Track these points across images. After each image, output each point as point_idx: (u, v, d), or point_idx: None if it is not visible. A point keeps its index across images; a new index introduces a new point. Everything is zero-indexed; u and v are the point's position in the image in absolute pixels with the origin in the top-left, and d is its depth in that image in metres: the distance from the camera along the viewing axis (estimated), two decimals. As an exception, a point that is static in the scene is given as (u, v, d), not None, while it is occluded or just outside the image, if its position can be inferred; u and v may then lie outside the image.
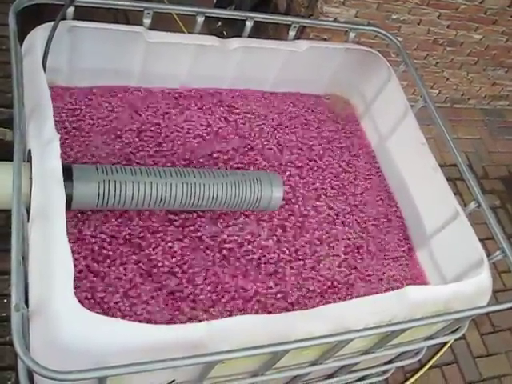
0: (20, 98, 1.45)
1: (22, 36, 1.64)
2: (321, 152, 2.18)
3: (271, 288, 1.77)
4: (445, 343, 2.75)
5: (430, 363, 2.74)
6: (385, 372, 2.15)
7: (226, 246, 1.79)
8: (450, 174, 2.02)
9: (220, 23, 3.38)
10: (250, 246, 1.82)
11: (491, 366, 2.87)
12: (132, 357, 1.17)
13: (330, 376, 1.91)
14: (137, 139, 1.92)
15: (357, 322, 1.45)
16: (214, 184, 1.71)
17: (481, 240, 1.78)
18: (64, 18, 1.72)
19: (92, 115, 1.91)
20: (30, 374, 1.37)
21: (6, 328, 1.99)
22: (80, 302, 1.20)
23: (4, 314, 2.03)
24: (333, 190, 2.10)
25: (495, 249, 1.75)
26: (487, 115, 4.00)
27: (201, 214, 1.83)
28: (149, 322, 1.53)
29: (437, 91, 3.71)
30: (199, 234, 1.79)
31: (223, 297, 1.69)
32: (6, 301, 2.04)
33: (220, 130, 2.07)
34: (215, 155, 1.99)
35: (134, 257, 1.66)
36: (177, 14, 3.06)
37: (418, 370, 2.70)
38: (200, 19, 1.90)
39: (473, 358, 2.86)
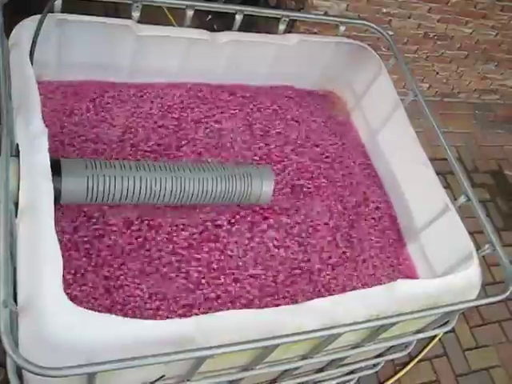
0: (7, 91, 1.43)
1: (8, 29, 1.62)
2: (310, 145, 2.18)
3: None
4: (434, 336, 2.76)
5: (420, 356, 2.76)
6: (375, 365, 2.16)
7: None
8: (440, 168, 2.03)
9: (210, 16, 3.36)
10: None
11: (480, 358, 2.90)
12: (122, 352, 1.17)
13: (320, 370, 1.91)
14: (126, 135, 1.91)
15: (346, 316, 1.44)
16: (204, 178, 1.71)
17: (470, 233, 1.79)
18: (52, 11, 1.71)
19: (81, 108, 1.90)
20: (19, 371, 1.36)
21: (-6, 325, 1.96)
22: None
23: (-9, 312, 2.00)
24: (322, 183, 2.10)
25: (485, 242, 1.75)
26: (477, 109, 4.01)
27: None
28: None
29: (427, 85, 3.72)
30: None
31: None
32: (-7, 298, 2.01)
33: (210, 125, 2.06)
34: (205, 149, 1.98)
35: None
36: (167, 8, 3.04)
37: (407, 363, 2.73)
38: (190, 12, 1.88)
39: (462, 350, 2.89)
